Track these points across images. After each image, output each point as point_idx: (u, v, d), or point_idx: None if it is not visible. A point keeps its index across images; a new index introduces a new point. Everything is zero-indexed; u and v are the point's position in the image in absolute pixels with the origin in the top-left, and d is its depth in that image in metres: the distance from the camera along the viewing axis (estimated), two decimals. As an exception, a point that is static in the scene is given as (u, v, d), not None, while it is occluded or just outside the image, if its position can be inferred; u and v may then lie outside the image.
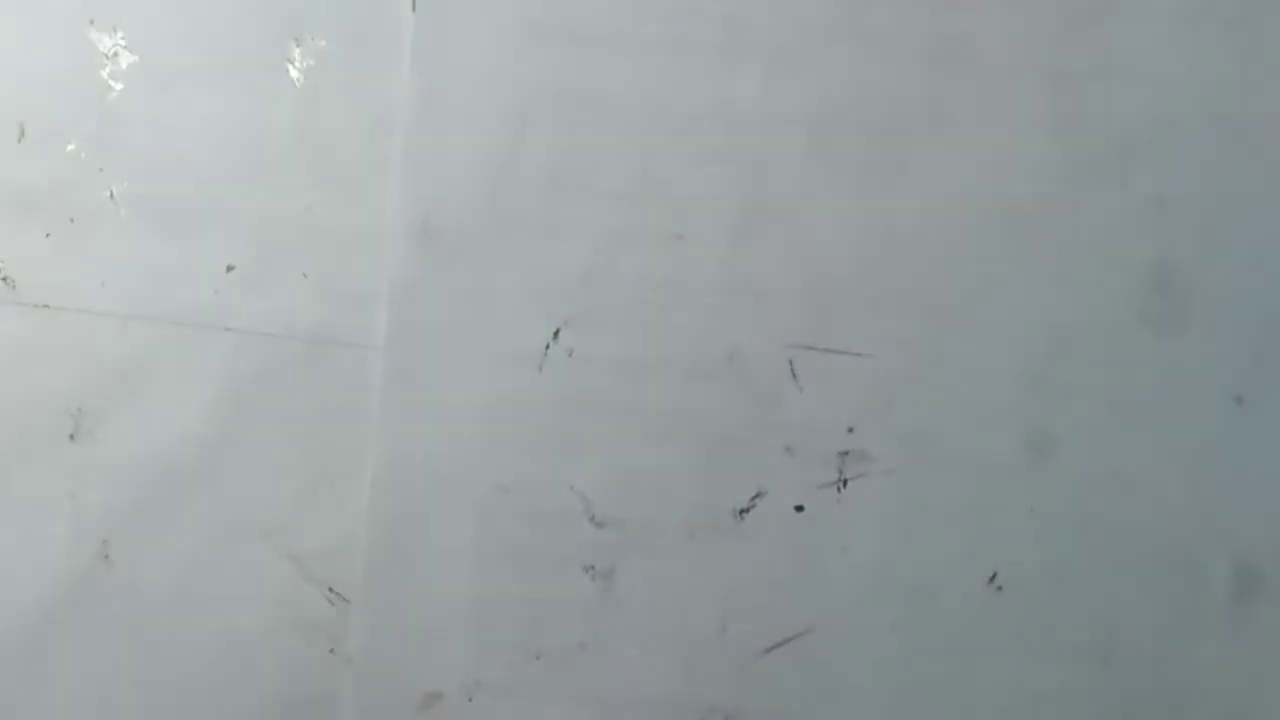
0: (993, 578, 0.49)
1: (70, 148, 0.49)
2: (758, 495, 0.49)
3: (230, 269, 0.49)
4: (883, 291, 0.49)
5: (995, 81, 0.50)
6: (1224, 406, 0.50)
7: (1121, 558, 0.49)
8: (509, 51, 0.49)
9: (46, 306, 0.48)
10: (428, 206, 0.49)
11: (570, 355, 0.49)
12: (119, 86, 0.49)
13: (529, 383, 0.49)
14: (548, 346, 0.49)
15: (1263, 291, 0.50)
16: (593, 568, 0.49)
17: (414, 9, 0.49)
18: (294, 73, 0.49)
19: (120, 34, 0.49)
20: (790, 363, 0.49)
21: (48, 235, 0.48)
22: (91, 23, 0.49)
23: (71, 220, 0.48)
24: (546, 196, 0.49)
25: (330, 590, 0.48)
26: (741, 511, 0.49)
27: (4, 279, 0.48)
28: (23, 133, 0.48)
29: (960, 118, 0.50)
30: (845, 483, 0.49)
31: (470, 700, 0.48)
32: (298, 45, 0.49)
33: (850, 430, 0.49)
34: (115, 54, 0.49)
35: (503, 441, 0.48)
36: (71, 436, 0.48)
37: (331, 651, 0.48)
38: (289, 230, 0.49)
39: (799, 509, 0.49)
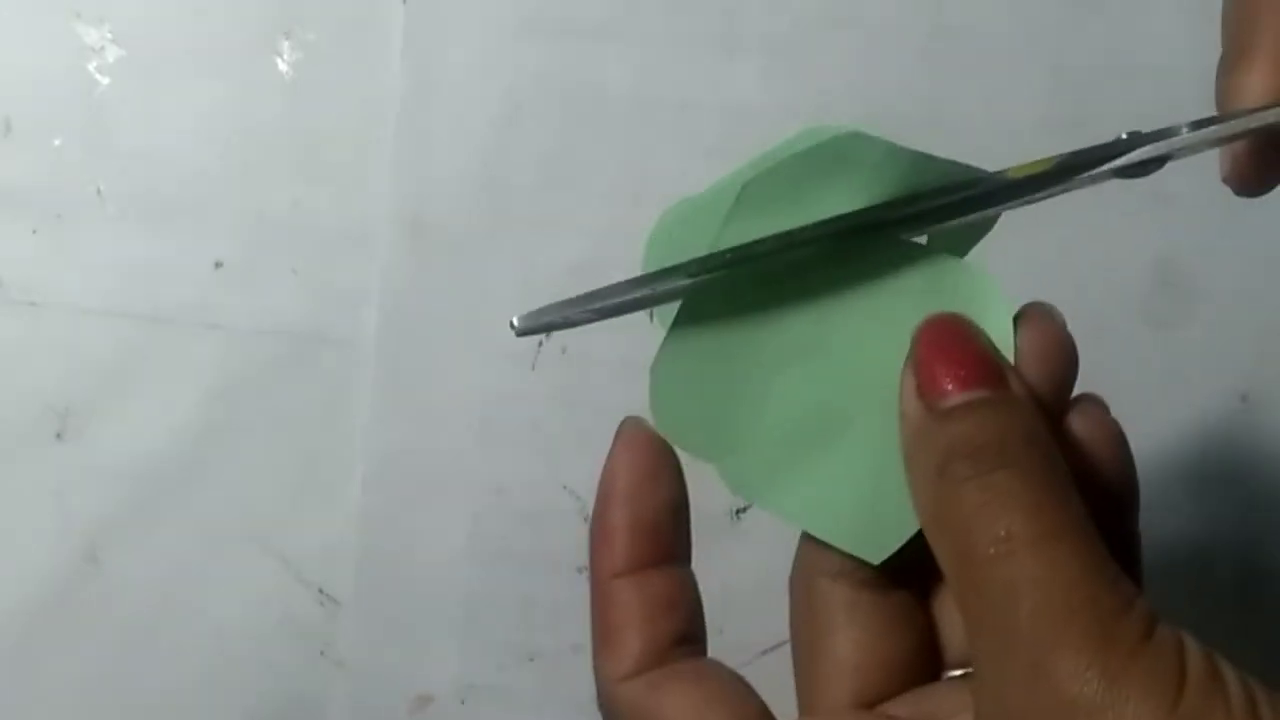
0: (993, 578, 0.48)
1: (57, 143, 0.48)
2: (755, 495, 0.48)
3: (218, 265, 0.48)
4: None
5: (996, 75, 0.49)
6: (1228, 404, 0.49)
7: (1124, 558, 0.49)
8: (502, 44, 0.49)
9: (33, 304, 0.48)
10: (419, 202, 0.48)
11: (563, 353, 0.48)
12: (106, 81, 0.48)
13: (522, 381, 0.48)
14: (540, 344, 0.48)
15: (1267, 288, 0.49)
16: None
17: (404, 1, 0.49)
18: (283, 66, 0.49)
19: (107, 27, 0.48)
20: (787, 360, 0.48)
21: (34, 231, 0.48)
22: (78, 16, 0.48)
23: (58, 216, 0.48)
24: (539, 191, 0.48)
25: (320, 591, 0.48)
26: (738, 512, 0.48)
27: (-11, 276, 0.48)
28: (8, 127, 0.48)
29: (960, 111, 0.49)
30: (843, 482, 0.48)
31: (463, 703, 0.48)
32: (286, 38, 0.49)
33: (848, 429, 0.49)
34: (102, 48, 0.48)
35: (495, 440, 0.48)
36: (58, 435, 0.48)
37: (322, 654, 0.48)
38: (278, 226, 0.48)
39: (796, 509, 0.48)
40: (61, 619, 0.47)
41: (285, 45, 0.49)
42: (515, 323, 0.27)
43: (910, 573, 0.29)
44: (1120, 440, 0.30)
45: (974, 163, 0.49)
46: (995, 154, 0.49)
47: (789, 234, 0.27)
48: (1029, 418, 0.26)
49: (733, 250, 0.27)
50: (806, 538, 0.30)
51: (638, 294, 0.27)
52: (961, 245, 0.30)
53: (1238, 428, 0.49)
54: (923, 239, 0.30)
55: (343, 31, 0.49)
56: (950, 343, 0.27)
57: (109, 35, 0.48)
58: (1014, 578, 0.24)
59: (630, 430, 0.30)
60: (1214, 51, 0.50)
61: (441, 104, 0.48)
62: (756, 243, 0.27)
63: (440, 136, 0.48)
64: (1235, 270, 0.49)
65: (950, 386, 0.26)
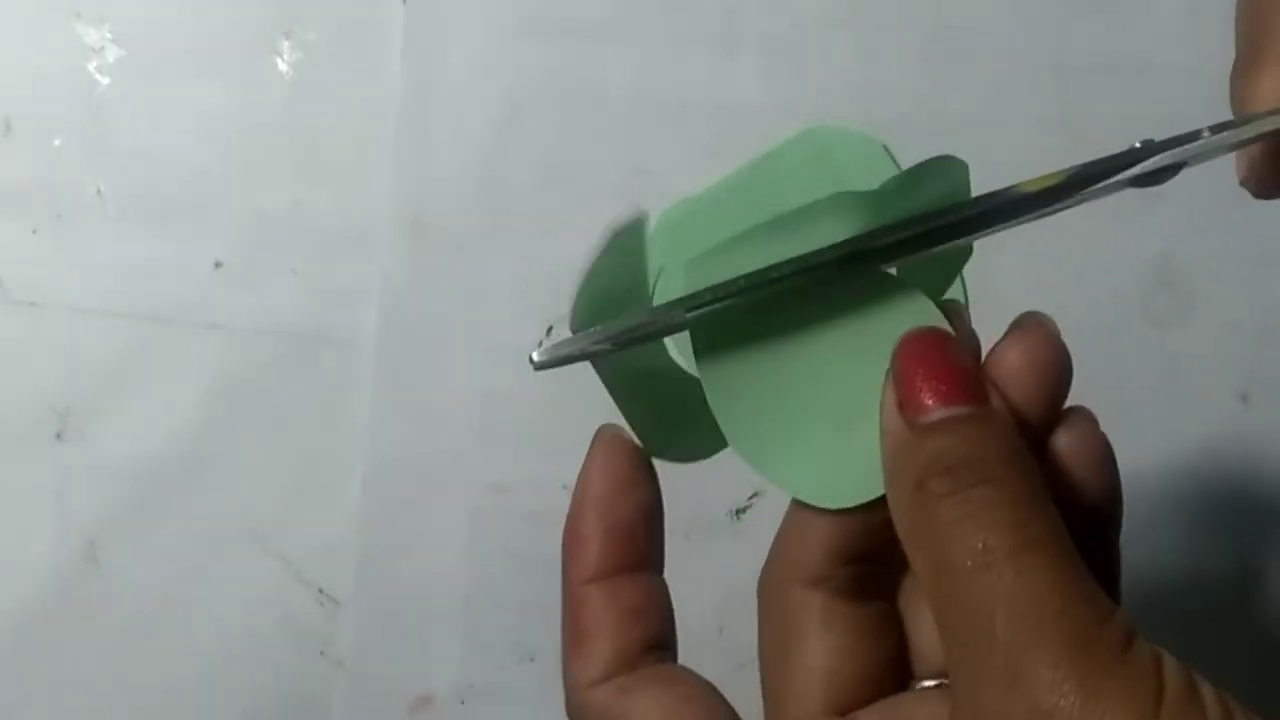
0: (993, 578, 0.48)
1: (57, 143, 0.48)
2: (755, 495, 0.48)
3: (218, 265, 0.48)
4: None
5: (996, 74, 0.49)
6: (1229, 403, 0.49)
7: (1123, 557, 0.49)
8: (501, 44, 0.49)
9: (33, 304, 0.48)
10: (418, 202, 0.48)
11: (564, 353, 0.48)
12: (106, 81, 0.48)
13: (522, 381, 0.48)
14: (540, 343, 0.48)
15: (1267, 287, 0.49)
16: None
17: (404, 1, 0.49)
18: (283, 66, 0.49)
19: (107, 27, 0.48)
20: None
21: (34, 231, 0.48)
22: (78, 16, 0.48)
23: (58, 216, 0.48)
24: (539, 191, 0.48)
25: (320, 591, 0.48)
26: (738, 511, 0.48)
27: (-11, 276, 0.48)
28: (9, 127, 0.48)
29: (960, 111, 0.49)
30: (843, 482, 0.48)
31: (462, 703, 0.48)
32: (286, 38, 0.49)
33: (848, 428, 0.49)
34: (102, 48, 0.48)
35: (495, 440, 0.48)
36: (58, 435, 0.48)
37: (322, 654, 0.48)
38: (277, 226, 0.48)
39: (796, 508, 0.48)
40: (61, 619, 0.47)
41: (285, 45, 0.49)
42: (534, 358, 0.27)
43: (884, 582, 0.29)
44: (1108, 456, 0.30)
45: (974, 163, 0.49)
46: (995, 154, 0.49)
47: (789, 262, 0.27)
48: (1008, 434, 0.26)
49: (739, 280, 0.27)
50: (778, 545, 0.29)
51: (648, 324, 0.27)
52: (939, 274, 0.30)
53: (1238, 428, 0.49)
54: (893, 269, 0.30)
55: (343, 31, 0.49)
56: (930, 357, 0.27)
57: (109, 35, 0.48)
58: (991, 590, 0.24)
59: (607, 437, 0.29)
60: (1213, 51, 0.50)
61: (441, 104, 0.48)
62: (758, 272, 0.27)
63: (440, 136, 0.48)
64: (1235, 270, 0.49)
65: (930, 402, 0.26)
